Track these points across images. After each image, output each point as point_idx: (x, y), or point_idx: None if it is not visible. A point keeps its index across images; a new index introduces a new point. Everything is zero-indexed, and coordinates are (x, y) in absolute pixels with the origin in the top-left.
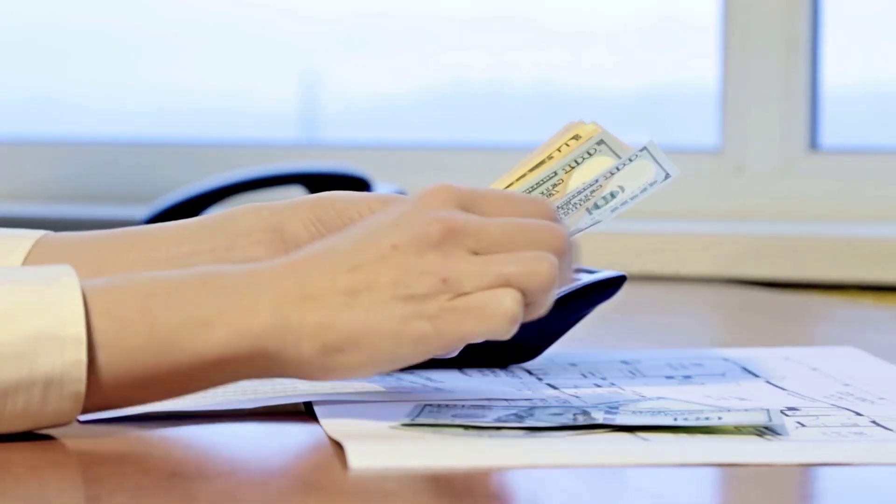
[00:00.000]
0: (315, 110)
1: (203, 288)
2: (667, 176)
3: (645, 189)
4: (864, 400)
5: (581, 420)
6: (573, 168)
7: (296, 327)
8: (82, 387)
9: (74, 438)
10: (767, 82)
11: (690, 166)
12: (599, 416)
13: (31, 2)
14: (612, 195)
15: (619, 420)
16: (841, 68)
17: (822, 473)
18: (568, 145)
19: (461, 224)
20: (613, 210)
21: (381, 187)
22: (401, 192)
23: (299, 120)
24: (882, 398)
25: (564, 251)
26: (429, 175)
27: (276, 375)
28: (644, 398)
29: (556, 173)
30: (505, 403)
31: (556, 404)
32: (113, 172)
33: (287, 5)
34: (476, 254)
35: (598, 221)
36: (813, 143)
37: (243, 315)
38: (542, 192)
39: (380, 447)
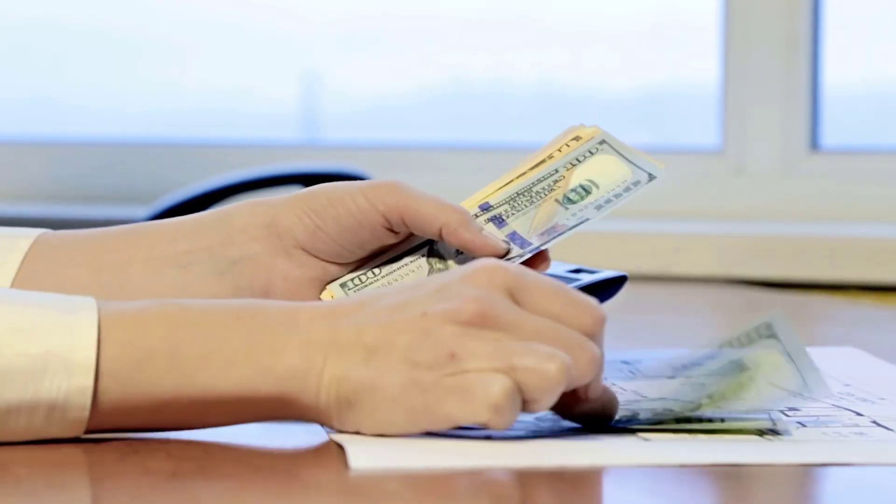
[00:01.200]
0: (315, 110)
1: (236, 322)
2: (651, 177)
3: (628, 188)
4: (864, 400)
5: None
6: (574, 166)
7: (317, 373)
8: (85, 414)
9: (75, 438)
10: (768, 83)
11: (691, 167)
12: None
13: (32, 2)
14: (585, 190)
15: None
16: (841, 69)
17: (823, 473)
18: (568, 146)
19: (496, 313)
20: (598, 208)
21: None
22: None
23: (300, 120)
24: (883, 398)
25: (591, 373)
26: (429, 175)
27: (294, 419)
28: (646, 398)
29: (557, 170)
30: None
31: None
32: (113, 172)
33: (287, 6)
34: (498, 342)
35: (586, 219)
36: (813, 144)
37: (269, 355)
38: (544, 188)
39: (380, 447)
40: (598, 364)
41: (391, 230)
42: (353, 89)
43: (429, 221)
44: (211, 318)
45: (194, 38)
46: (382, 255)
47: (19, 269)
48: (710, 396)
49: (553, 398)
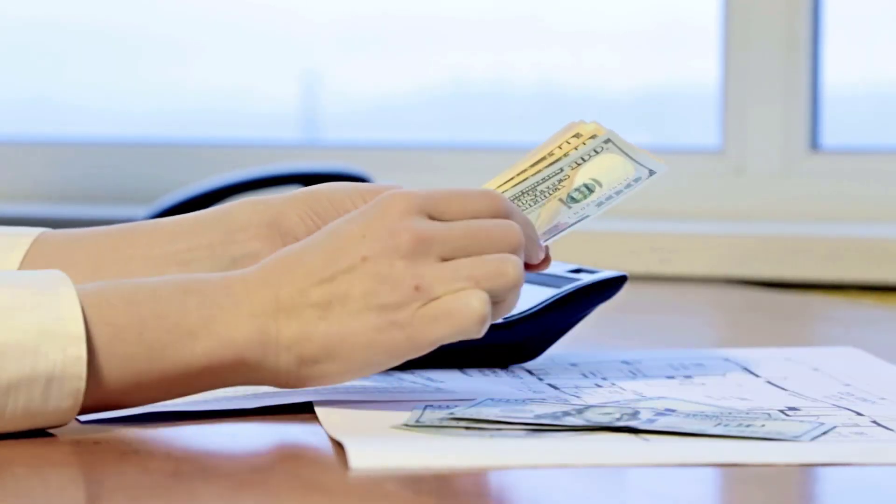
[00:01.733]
0: (316, 110)
1: (185, 296)
2: (651, 172)
3: (630, 185)
4: (864, 400)
5: (624, 421)
6: (579, 165)
7: (274, 340)
8: (82, 384)
9: (74, 438)
10: (768, 83)
11: (691, 167)
12: (647, 416)
13: (32, 2)
14: (589, 189)
15: (661, 423)
16: (841, 69)
17: (823, 473)
18: (569, 143)
19: (428, 233)
20: (599, 205)
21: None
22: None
23: (300, 120)
24: (883, 398)
25: (520, 246)
26: (429, 175)
27: (257, 383)
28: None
29: (562, 169)
30: (558, 395)
31: (610, 402)
32: (113, 172)
33: (287, 6)
34: (443, 259)
35: (586, 216)
36: (813, 144)
37: (226, 327)
38: (548, 187)
39: (380, 447)
40: (521, 237)
41: None
42: (353, 89)
43: None
44: (163, 294)
45: (194, 38)
46: None
47: (20, 268)
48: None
49: (518, 295)
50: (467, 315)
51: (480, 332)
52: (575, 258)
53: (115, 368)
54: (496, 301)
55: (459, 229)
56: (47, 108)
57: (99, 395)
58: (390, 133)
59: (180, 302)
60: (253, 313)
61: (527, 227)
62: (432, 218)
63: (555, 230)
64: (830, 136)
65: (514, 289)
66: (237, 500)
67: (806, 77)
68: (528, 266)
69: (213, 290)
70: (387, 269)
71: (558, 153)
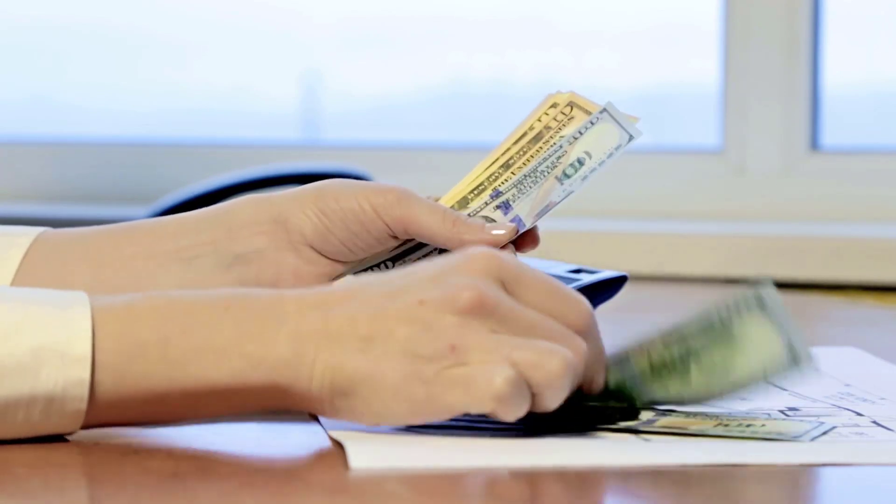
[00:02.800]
0: (316, 110)
1: (225, 312)
2: (630, 137)
3: (611, 154)
4: (865, 400)
5: (625, 422)
6: (577, 139)
7: (309, 364)
8: (83, 406)
9: (74, 438)
10: (768, 83)
11: (691, 167)
12: (647, 416)
13: (32, 2)
14: (580, 162)
15: (662, 423)
16: (841, 68)
17: (823, 473)
18: (547, 114)
19: (493, 303)
20: (584, 179)
21: None
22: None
23: (300, 120)
24: (883, 398)
25: (576, 357)
26: (429, 175)
27: (286, 408)
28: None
29: (561, 146)
30: None
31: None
32: (113, 172)
33: (288, 5)
34: (495, 334)
35: (571, 192)
36: (814, 144)
37: (259, 345)
38: (548, 167)
39: (380, 447)
40: (585, 356)
41: (394, 237)
42: (353, 89)
43: (431, 235)
44: (200, 309)
45: (194, 38)
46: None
47: (20, 267)
48: (697, 361)
49: (558, 393)
50: (484, 387)
51: (499, 410)
52: (575, 258)
53: (129, 387)
54: (533, 392)
55: (527, 316)
56: (47, 108)
57: (109, 413)
58: (390, 133)
59: (217, 318)
60: (296, 333)
61: (598, 354)
62: (508, 291)
63: (545, 210)
64: (830, 136)
65: (552, 386)
66: (237, 500)
67: (806, 77)
68: (516, 243)
69: (259, 307)
70: (436, 319)
71: (538, 126)
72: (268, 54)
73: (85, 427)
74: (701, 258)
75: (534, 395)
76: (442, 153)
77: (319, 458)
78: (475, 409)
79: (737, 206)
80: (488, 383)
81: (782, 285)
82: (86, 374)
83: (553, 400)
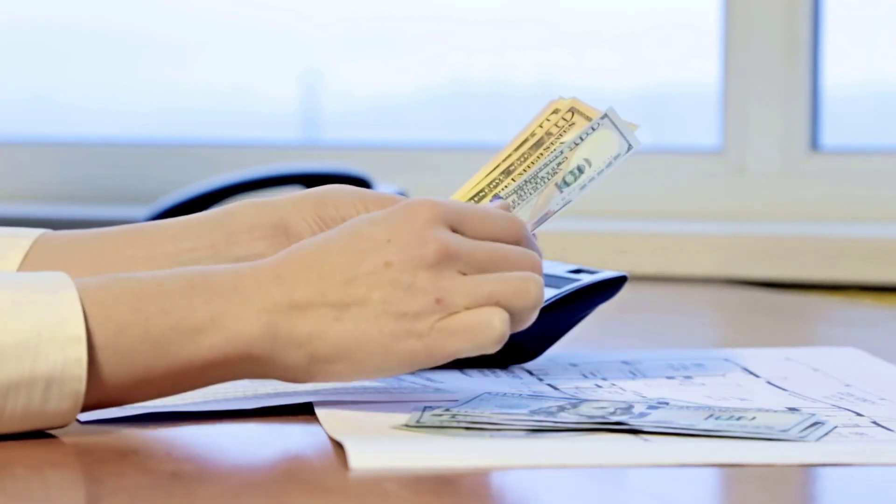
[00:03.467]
0: (316, 110)
1: (192, 291)
2: (630, 147)
3: (610, 163)
4: (864, 400)
5: (618, 415)
6: (577, 146)
7: (284, 336)
8: (82, 385)
9: (74, 438)
10: (768, 83)
11: (691, 167)
12: (639, 409)
13: (32, 3)
14: (580, 169)
15: (654, 417)
16: (841, 69)
17: (823, 473)
18: (549, 120)
19: (454, 247)
20: (582, 188)
21: (382, 188)
22: (401, 193)
23: (300, 120)
24: (883, 399)
25: (539, 272)
26: (429, 175)
27: (264, 377)
28: (646, 399)
29: (561, 152)
30: (556, 394)
31: (605, 397)
32: (113, 172)
33: (288, 5)
34: (463, 274)
35: (569, 201)
36: (814, 144)
37: (234, 322)
38: (548, 173)
39: (380, 447)
40: (540, 264)
41: None
42: (353, 89)
43: None
44: (168, 288)
45: (194, 38)
46: None
47: (20, 269)
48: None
49: (536, 312)
50: (487, 333)
51: (496, 348)
52: (575, 258)
53: (119, 366)
54: (514, 320)
55: (484, 248)
56: (47, 108)
57: (101, 393)
58: (390, 133)
59: (187, 297)
60: (264, 309)
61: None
62: (455, 231)
63: (543, 218)
64: (830, 136)
65: (533, 308)
66: (237, 500)
67: (806, 77)
68: None
69: (220, 285)
70: (409, 277)
71: (539, 132)
72: (268, 54)
73: (83, 410)
74: (701, 258)
75: (513, 322)
76: (442, 153)
77: (319, 458)
78: (478, 352)
79: (737, 206)
80: (490, 327)
81: (782, 285)
82: (83, 354)
83: (531, 319)
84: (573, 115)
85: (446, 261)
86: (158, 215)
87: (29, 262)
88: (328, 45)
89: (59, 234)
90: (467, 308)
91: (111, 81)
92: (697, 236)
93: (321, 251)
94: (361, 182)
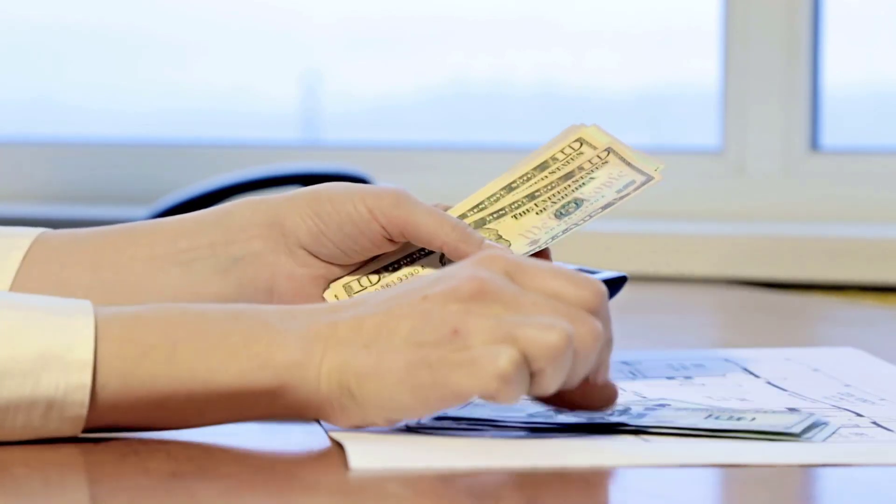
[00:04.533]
0: (316, 111)
1: (235, 319)
2: (648, 178)
3: (621, 191)
4: (864, 401)
5: (616, 416)
6: (579, 177)
7: (317, 364)
8: (84, 411)
9: (74, 438)
10: (768, 83)
11: (691, 167)
12: (637, 410)
13: (32, 3)
14: (577, 204)
15: (652, 417)
16: (841, 69)
17: (823, 473)
18: (571, 147)
19: (496, 288)
20: (589, 217)
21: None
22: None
23: (300, 120)
24: (883, 399)
25: (593, 344)
26: (430, 175)
27: (293, 415)
28: (647, 399)
29: (560, 181)
30: None
31: None
32: (113, 172)
33: (288, 5)
34: (498, 317)
35: (574, 227)
36: (814, 144)
37: (269, 347)
38: (546, 200)
39: (380, 447)
40: (599, 336)
41: (391, 240)
42: (353, 89)
43: (428, 238)
44: (209, 316)
45: (194, 38)
46: (388, 253)
47: (19, 269)
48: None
49: (559, 370)
50: (488, 367)
51: (503, 395)
52: (575, 258)
53: (136, 389)
54: (534, 369)
55: (532, 298)
56: (47, 108)
57: (115, 418)
58: (391, 133)
59: (225, 324)
60: (305, 335)
61: (608, 337)
62: (514, 281)
63: (534, 243)
64: (830, 136)
65: (553, 360)
66: (237, 500)
67: (806, 77)
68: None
69: (269, 315)
70: (439, 308)
71: (561, 157)
72: (268, 54)
73: (87, 430)
74: (701, 258)
75: (534, 375)
76: (442, 153)
77: (319, 458)
78: (480, 391)
79: (737, 206)
80: (492, 363)
81: (782, 285)
82: (87, 380)
83: (553, 377)
84: (581, 144)
85: (482, 297)
86: (158, 215)
87: (28, 262)
88: (328, 45)
89: (58, 234)
90: (482, 344)
91: (111, 81)
92: (697, 236)
93: (380, 292)
94: (362, 182)
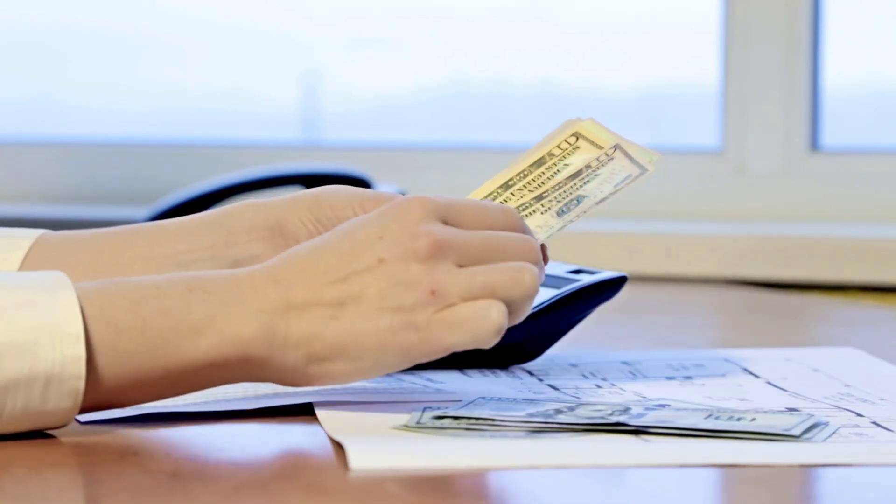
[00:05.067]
0: (316, 111)
1: (190, 293)
2: (642, 170)
3: (618, 185)
4: (864, 401)
5: (616, 416)
6: (585, 175)
7: (282, 337)
8: (82, 384)
9: (74, 438)
10: (768, 83)
11: (691, 167)
12: (637, 410)
13: (32, 3)
14: (579, 201)
15: (652, 417)
16: (842, 69)
17: (823, 473)
18: (568, 142)
19: (446, 238)
20: (584, 213)
21: (382, 188)
22: (400, 192)
23: (300, 120)
24: (883, 399)
25: (536, 260)
26: (430, 176)
27: (262, 380)
28: (647, 398)
29: (566, 180)
30: (554, 396)
31: (601, 401)
32: (113, 173)
33: (288, 5)
34: (459, 266)
35: (571, 222)
36: (814, 144)
37: (231, 323)
38: (555, 198)
39: (380, 447)
40: (537, 251)
41: None
42: (353, 89)
43: None
44: (167, 291)
45: (194, 38)
46: None
47: (20, 269)
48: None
49: (531, 302)
50: (484, 325)
51: (494, 342)
52: (575, 258)
53: (116, 367)
54: (511, 311)
55: (477, 238)
56: (47, 108)
57: (99, 394)
58: (391, 134)
59: (184, 299)
60: (261, 310)
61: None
62: (448, 224)
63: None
64: (830, 136)
65: (528, 298)
66: (237, 501)
67: (806, 77)
68: None
69: (218, 288)
70: (403, 271)
71: (558, 153)
72: (268, 54)
73: (81, 411)
74: (701, 258)
75: (510, 315)
76: (442, 153)
77: (319, 458)
78: (476, 345)
79: (737, 207)
80: (487, 320)
81: (782, 285)
82: (82, 352)
83: (527, 311)
84: (577, 139)
85: (439, 252)
86: (158, 215)
87: (29, 263)
88: (328, 45)
89: (58, 235)
90: (463, 300)
91: (111, 81)
92: (697, 236)
93: (316, 253)
94: (361, 182)
